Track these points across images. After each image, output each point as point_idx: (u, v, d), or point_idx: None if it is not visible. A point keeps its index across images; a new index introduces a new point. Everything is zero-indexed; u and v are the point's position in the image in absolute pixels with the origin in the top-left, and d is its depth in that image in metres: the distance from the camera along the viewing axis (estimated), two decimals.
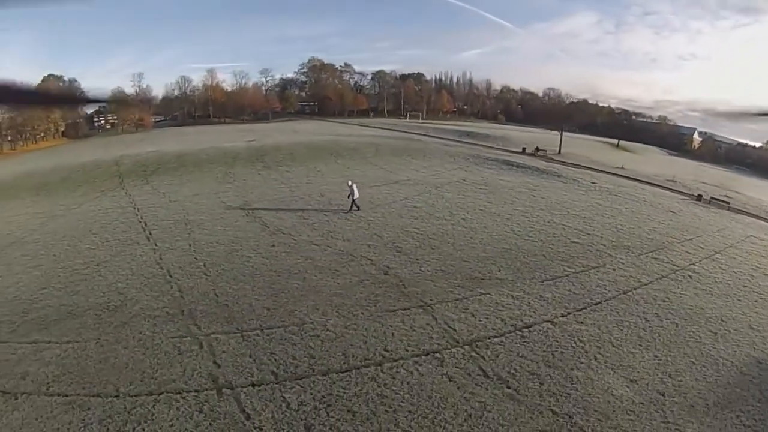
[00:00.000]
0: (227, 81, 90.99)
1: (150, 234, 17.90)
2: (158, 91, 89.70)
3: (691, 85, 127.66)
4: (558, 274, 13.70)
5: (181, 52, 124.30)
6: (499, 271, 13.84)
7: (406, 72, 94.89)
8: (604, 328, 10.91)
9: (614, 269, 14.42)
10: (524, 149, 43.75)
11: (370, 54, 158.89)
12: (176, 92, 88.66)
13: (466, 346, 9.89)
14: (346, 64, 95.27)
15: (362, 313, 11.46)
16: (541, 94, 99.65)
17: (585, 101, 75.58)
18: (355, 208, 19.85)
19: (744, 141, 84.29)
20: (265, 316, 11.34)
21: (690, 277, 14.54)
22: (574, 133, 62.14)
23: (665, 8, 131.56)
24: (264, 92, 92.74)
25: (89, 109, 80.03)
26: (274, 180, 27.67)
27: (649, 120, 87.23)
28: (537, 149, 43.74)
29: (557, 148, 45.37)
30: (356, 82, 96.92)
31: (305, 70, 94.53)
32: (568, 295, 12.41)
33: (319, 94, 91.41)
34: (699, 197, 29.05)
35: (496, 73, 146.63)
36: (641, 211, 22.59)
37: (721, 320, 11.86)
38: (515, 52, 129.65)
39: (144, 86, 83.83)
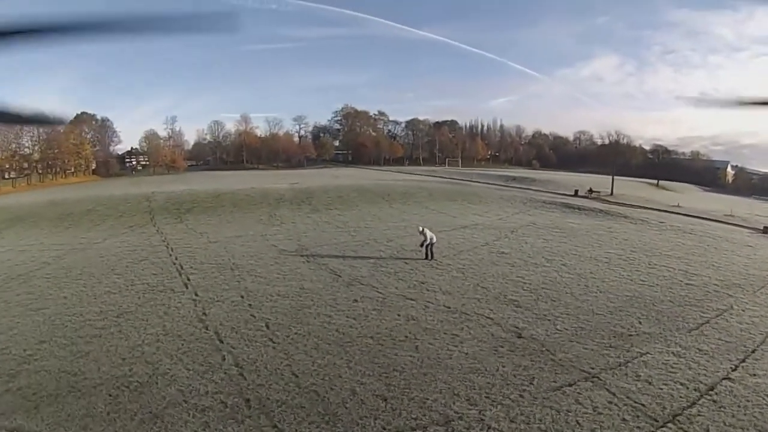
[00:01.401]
0: (261, 128, 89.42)
1: (188, 279, 13.64)
2: (190, 137, 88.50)
3: (714, 119, 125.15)
4: (698, 321, 10.93)
5: (214, 100, 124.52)
6: (640, 323, 10.63)
7: (439, 120, 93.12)
8: None
9: (743, 310, 11.88)
10: (576, 192, 41.14)
11: (399, 105, 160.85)
12: (208, 137, 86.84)
13: (669, 425, 6.79)
14: (380, 112, 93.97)
15: (521, 396, 7.34)
16: (572, 138, 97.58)
17: (617, 142, 72.67)
18: (430, 255, 15.90)
19: None
20: (384, 410, 6.90)
21: None
22: (608, 174, 58.89)
23: (684, 45, 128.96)
24: (298, 139, 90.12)
25: (120, 150, 78.19)
26: (326, 223, 23.54)
27: (681, 157, 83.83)
28: (591, 191, 41.74)
29: (608, 190, 42.71)
30: (389, 130, 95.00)
31: (339, 117, 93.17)
32: (722, 344, 9.67)
33: (353, 141, 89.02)
34: (765, 230, 25.97)
35: (526, 119, 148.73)
36: (724, 248, 20.03)
37: None
38: (542, 98, 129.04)
39: (177, 129, 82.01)
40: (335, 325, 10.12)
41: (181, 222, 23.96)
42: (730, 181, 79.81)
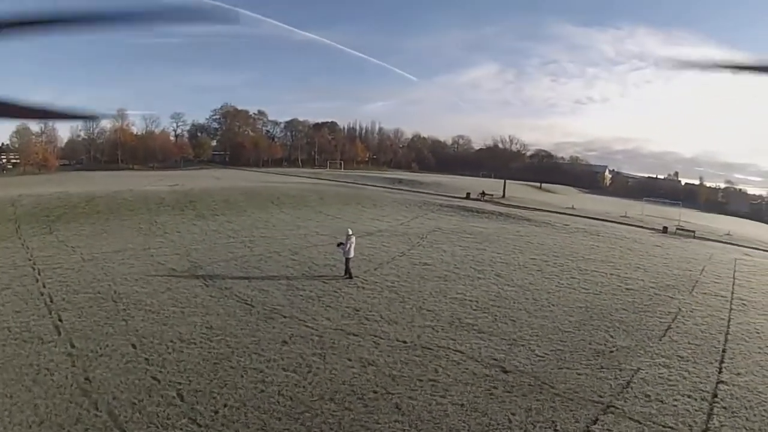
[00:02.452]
0: (137, 125, 79.69)
1: (60, 320, 9.40)
2: (64, 133, 75.71)
3: (588, 126, 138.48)
4: (662, 328, 10.72)
5: (91, 95, 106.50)
6: (612, 337, 9.99)
7: (318, 122, 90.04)
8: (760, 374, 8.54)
9: (691, 311, 12.08)
10: (468, 194, 40.73)
11: (279, 106, 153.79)
12: (82, 134, 75.35)
13: None
14: (259, 111, 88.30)
15: None
16: (450, 142, 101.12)
17: (495, 147, 76.93)
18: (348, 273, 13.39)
19: (653, 175, 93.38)
20: None
21: (745, 305, 13.04)
22: (489, 177, 61.99)
23: (564, 57, 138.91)
24: (174, 138, 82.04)
25: None
26: (216, 233, 19.57)
27: (561, 161, 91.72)
28: (483, 193, 41.77)
29: (500, 192, 43.41)
30: (268, 131, 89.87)
31: (217, 116, 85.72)
32: (695, 348, 9.65)
33: (232, 141, 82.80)
34: (665, 229, 28.62)
35: (406, 123, 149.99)
36: (637, 249, 20.62)
37: None
38: (422, 102, 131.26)
39: (50, 125, 68.91)
40: (275, 386, 7.09)
41: (51, 233, 18.49)
42: (608, 184, 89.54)
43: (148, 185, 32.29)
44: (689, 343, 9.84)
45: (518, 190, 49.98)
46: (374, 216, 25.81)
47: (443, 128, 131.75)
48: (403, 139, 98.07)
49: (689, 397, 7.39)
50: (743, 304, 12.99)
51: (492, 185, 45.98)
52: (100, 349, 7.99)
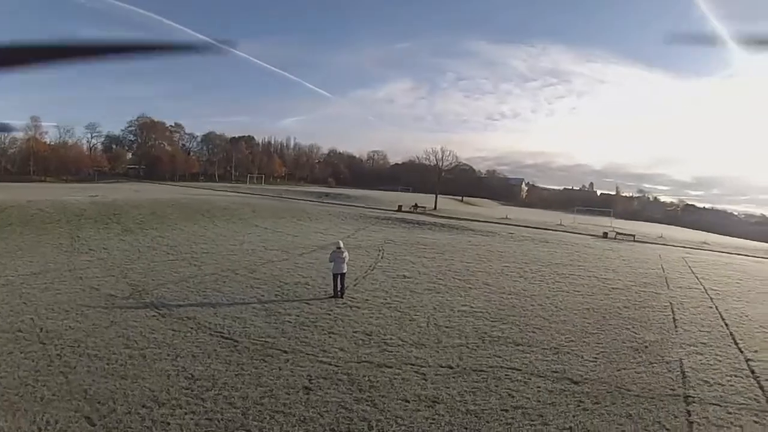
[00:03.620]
0: (51, 135, 71.94)
1: None
2: None
3: (499, 141, 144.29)
4: (670, 321, 11.01)
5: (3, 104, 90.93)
6: (637, 333, 9.88)
7: (235, 135, 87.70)
8: None
9: (682, 304, 12.59)
10: (400, 207, 40.42)
11: (195, 119, 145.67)
12: None
13: None
14: (176, 123, 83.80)
15: None
16: (365, 157, 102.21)
17: (411, 162, 78.92)
18: (341, 291, 11.82)
19: (569, 186, 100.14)
20: None
21: (719, 294, 13.90)
22: (407, 192, 63.22)
23: (478, 73, 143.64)
24: (88, 150, 75.17)
25: None
26: (150, 249, 16.69)
27: (479, 174, 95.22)
28: (416, 206, 42.05)
29: (431, 205, 44.26)
30: (184, 144, 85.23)
31: (133, 127, 79.25)
32: (713, 334, 10.07)
33: (148, 154, 77.32)
34: (605, 235, 30.58)
35: (321, 138, 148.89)
36: (594, 254, 21.37)
37: None
38: (337, 118, 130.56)
39: None
40: None
41: None
42: (524, 196, 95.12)
43: (65, 195, 28.01)
44: (700, 331, 10.20)
45: (444, 203, 51.09)
46: (316, 229, 24.35)
47: (358, 143, 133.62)
48: (319, 154, 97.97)
49: (735, 376, 7.64)
50: (717, 293, 13.97)
51: (414, 198, 46.70)
52: (34, 422, 5.35)
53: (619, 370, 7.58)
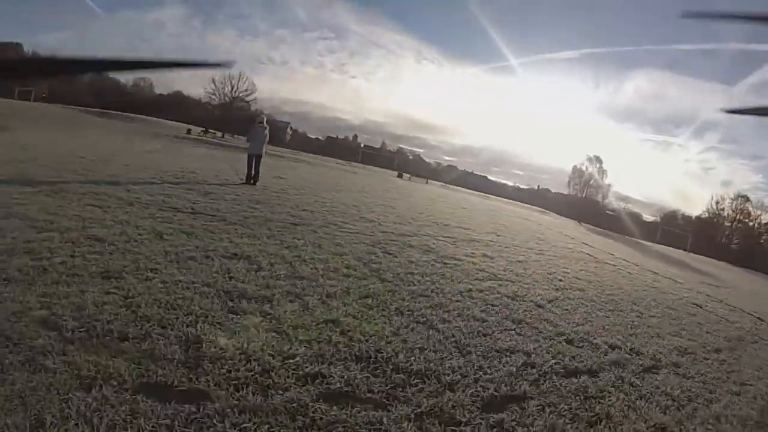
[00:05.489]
0: None
1: None
2: None
3: (262, 86, 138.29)
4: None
5: None
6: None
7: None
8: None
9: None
10: (189, 131, 37.91)
11: None
12: None
13: None
14: None
15: None
16: (131, 84, 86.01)
17: (178, 93, 71.10)
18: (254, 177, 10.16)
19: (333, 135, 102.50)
20: None
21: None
22: (174, 121, 56.65)
23: (256, 13, 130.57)
24: None
25: None
26: None
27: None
28: (206, 130, 42.21)
29: (219, 133, 45.62)
30: None
31: None
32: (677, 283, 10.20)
33: None
34: (401, 175, 35.15)
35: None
36: (420, 193, 22.76)
37: None
38: (106, 38, 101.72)
39: None
40: None
41: None
42: (288, 140, 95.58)
43: None
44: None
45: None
46: (132, 141, 18.24)
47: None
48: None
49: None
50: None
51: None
52: None
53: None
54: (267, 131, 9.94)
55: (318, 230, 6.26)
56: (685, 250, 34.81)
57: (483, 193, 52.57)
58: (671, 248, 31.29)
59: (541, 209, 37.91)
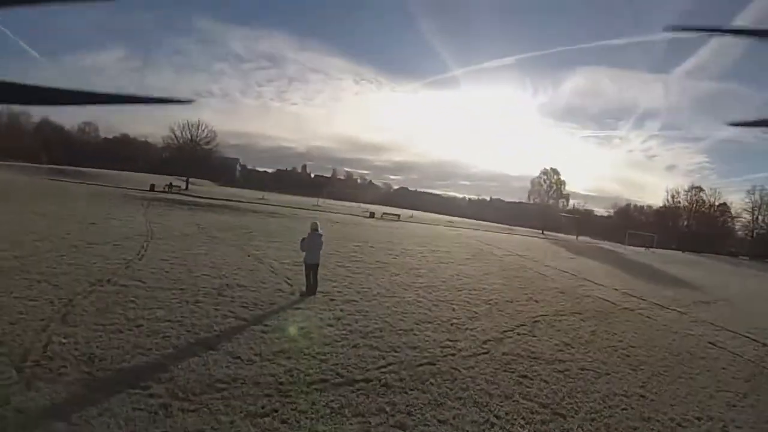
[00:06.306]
0: None
1: None
2: None
3: (206, 119, 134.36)
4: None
5: None
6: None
7: None
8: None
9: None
10: (153, 186, 36.70)
11: None
12: None
13: None
14: None
15: None
16: (76, 129, 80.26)
17: (125, 138, 67.69)
18: (313, 286, 9.51)
19: (283, 167, 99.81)
20: None
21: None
22: (125, 171, 54.40)
23: (193, 49, 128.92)
24: None
25: None
26: None
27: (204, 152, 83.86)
28: (170, 185, 41.00)
29: (182, 186, 44.48)
30: None
31: None
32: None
33: None
34: (372, 215, 35.07)
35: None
36: (380, 231, 23.96)
37: None
38: (44, 83, 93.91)
39: None
40: None
41: None
42: (238, 176, 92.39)
43: None
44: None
45: (180, 184, 47.26)
46: (100, 212, 18.32)
47: (69, 113, 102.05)
48: (30, 121, 72.14)
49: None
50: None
51: (141, 178, 43.83)
52: None
53: None
54: (323, 238, 9.83)
55: None
56: (651, 247, 41.05)
57: (446, 216, 54.24)
58: (640, 250, 37.45)
59: (508, 227, 40.00)
